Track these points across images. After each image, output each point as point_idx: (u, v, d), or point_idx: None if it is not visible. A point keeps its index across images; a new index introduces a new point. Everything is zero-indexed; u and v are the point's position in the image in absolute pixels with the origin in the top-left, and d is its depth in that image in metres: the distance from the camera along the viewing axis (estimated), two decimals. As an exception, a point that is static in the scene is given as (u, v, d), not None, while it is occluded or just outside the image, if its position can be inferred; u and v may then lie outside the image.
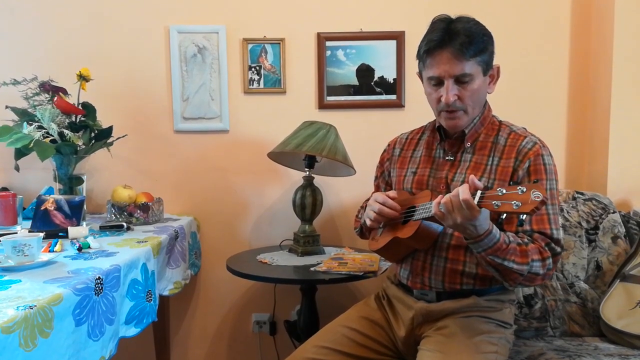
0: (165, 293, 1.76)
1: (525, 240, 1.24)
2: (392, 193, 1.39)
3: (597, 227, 1.83)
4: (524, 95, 2.18)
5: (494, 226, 1.17)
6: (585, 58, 2.16)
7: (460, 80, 1.29)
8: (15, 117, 1.91)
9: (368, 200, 1.57)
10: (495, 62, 1.36)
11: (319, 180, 2.06)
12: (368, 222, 1.41)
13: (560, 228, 1.29)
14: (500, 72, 1.37)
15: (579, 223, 1.83)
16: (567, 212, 1.85)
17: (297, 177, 2.13)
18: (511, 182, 1.07)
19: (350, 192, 2.22)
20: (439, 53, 1.28)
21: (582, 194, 1.89)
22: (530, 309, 1.75)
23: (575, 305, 1.76)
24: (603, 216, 1.84)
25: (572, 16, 2.16)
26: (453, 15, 1.32)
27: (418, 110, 1.44)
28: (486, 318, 1.34)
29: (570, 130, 2.21)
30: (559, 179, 1.34)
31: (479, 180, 1.30)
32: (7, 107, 1.91)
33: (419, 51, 1.35)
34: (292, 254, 2.00)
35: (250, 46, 2.17)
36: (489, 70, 1.33)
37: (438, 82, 1.32)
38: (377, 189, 1.63)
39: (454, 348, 1.26)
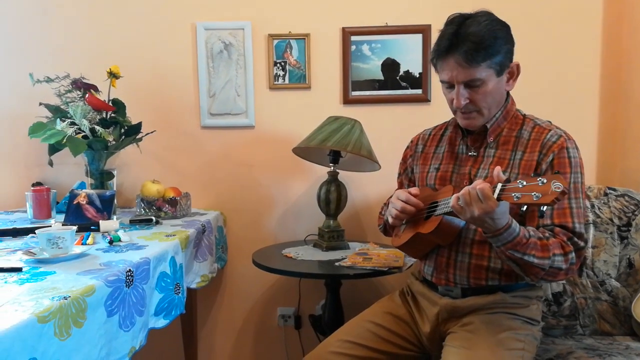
0: (193, 286, 1.79)
1: (547, 234, 1.22)
2: (414, 190, 1.37)
3: (630, 224, 1.78)
4: (554, 90, 2.14)
5: (514, 220, 1.16)
6: (618, 52, 2.10)
7: (471, 85, 1.28)
8: (49, 114, 1.96)
9: (391, 197, 1.56)
10: (522, 56, 1.33)
11: (343, 176, 2.06)
12: (390, 220, 1.41)
13: (584, 223, 1.26)
14: (520, 69, 1.33)
15: (611, 219, 1.78)
16: (599, 209, 1.80)
17: (321, 172, 2.13)
18: (533, 174, 1.04)
19: (375, 187, 2.21)
20: (447, 59, 1.27)
21: (614, 189, 1.84)
22: (559, 307, 1.72)
23: (606, 303, 1.72)
24: (636, 212, 1.79)
25: (603, 8, 2.10)
26: (472, 10, 1.30)
27: (444, 105, 1.42)
28: (512, 314, 1.32)
29: (602, 126, 2.15)
30: (588, 174, 1.30)
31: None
32: (41, 104, 1.97)
33: (431, 55, 1.35)
34: (317, 248, 2.01)
35: (275, 42, 2.18)
36: (505, 70, 1.30)
37: (450, 86, 1.31)
38: (400, 185, 1.62)
39: (480, 344, 1.25)
